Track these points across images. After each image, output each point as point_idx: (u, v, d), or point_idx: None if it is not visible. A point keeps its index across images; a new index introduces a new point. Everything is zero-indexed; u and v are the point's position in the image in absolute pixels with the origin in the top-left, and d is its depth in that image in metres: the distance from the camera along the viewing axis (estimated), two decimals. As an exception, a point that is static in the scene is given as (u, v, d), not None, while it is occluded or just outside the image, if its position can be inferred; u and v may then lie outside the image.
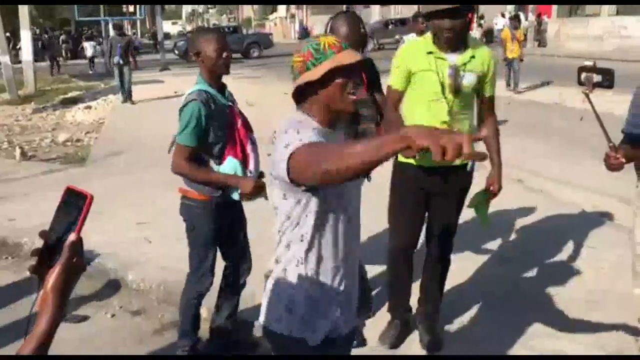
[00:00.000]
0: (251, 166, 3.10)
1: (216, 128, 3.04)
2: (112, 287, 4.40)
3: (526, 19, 27.40)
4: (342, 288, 1.90)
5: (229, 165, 3.04)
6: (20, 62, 18.36)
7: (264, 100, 12.93)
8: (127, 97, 13.69)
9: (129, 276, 4.40)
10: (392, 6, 41.26)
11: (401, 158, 3.12)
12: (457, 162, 3.08)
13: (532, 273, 4.18)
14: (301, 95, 1.86)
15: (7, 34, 17.41)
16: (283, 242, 1.88)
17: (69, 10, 34.89)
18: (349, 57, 1.78)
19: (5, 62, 15.34)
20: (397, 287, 3.49)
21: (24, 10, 16.02)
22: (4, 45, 15.94)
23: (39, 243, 1.20)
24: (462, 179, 3.21)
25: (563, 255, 4.44)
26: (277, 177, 1.73)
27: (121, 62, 13.28)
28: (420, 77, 3.02)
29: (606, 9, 24.42)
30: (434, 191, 3.20)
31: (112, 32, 19.37)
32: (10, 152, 9.14)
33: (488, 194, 3.21)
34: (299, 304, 1.86)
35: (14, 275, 4.65)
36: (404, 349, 3.40)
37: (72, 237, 1.13)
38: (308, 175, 1.56)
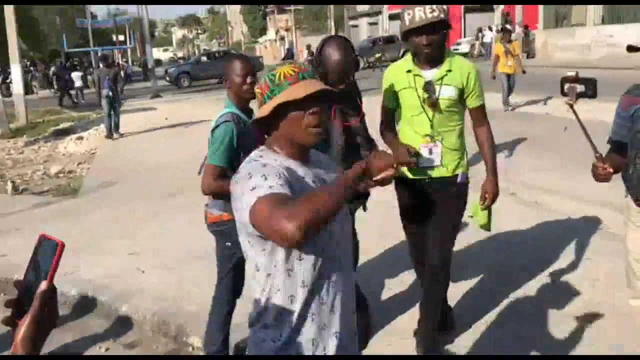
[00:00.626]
0: None
1: (245, 149, 3.06)
2: (106, 319, 4.35)
3: (513, 30, 27.68)
4: (329, 344, 1.72)
5: None
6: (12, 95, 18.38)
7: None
8: (114, 129, 13.17)
9: (123, 308, 4.35)
10: (380, 25, 41.61)
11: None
12: (447, 173, 3.15)
13: (527, 286, 4.14)
14: (265, 127, 1.74)
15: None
16: (258, 294, 1.70)
17: (59, 41, 35.03)
18: (304, 89, 1.63)
19: (-5, 96, 15.39)
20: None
21: (13, 45, 16.08)
22: (-6, 80, 16.00)
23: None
24: (455, 191, 3.25)
25: (558, 268, 4.41)
26: (241, 224, 1.63)
27: (110, 94, 12.85)
28: (402, 95, 3.20)
29: (592, 18, 24.68)
30: (428, 203, 3.30)
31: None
32: (2, 186, 9.10)
33: (484, 201, 3.27)
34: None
35: (6, 312, 4.58)
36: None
37: (42, 286, 1.09)
38: (281, 229, 1.42)
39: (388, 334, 3.60)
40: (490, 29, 27.95)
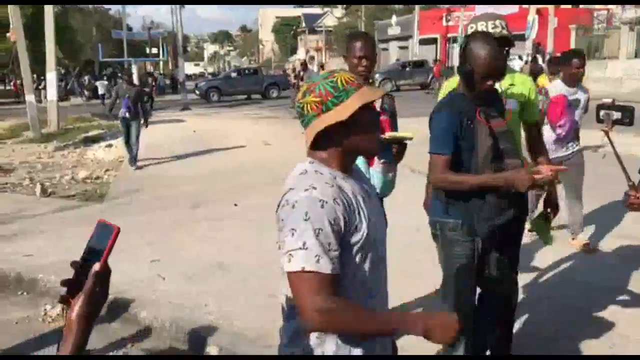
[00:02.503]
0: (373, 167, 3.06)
1: None
2: (125, 324, 4.38)
3: (543, 60, 27.53)
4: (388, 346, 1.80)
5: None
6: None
7: (282, 140, 13.04)
8: (132, 160, 10.94)
9: (142, 314, 4.37)
10: (410, 49, 41.72)
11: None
12: None
13: (552, 319, 4.07)
14: (318, 139, 1.68)
15: (34, 75, 17.88)
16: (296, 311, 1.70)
17: (94, 51, 35.82)
18: (374, 92, 1.70)
19: (30, 101, 15.73)
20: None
21: (50, 52, 16.47)
22: (30, 85, 16.37)
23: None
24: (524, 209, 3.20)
25: (581, 301, 4.33)
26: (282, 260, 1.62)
27: (127, 115, 10.63)
28: None
29: (624, 51, 24.45)
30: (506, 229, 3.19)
31: (139, 74, 19.82)
32: (31, 188, 9.26)
33: (547, 216, 3.27)
34: None
35: (28, 311, 4.65)
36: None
37: (96, 266, 1.17)
38: (305, 316, 1.55)
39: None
40: (520, 57, 27.83)
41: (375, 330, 1.57)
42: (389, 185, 3.15)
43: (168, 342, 4.09)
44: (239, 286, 4.74)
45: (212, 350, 3.84)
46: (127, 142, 10.93)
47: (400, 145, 2.93)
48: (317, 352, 1.68)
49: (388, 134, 2.89)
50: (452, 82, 3.39)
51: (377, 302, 1.74)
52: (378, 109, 3.15)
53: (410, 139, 2.84)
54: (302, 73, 19.05)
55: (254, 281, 4.79)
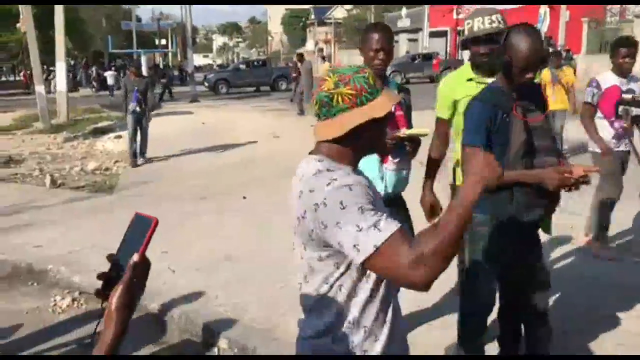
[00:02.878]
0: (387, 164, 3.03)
1: None
2: (135, 316, 4.38)
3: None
4: (393, 338, 1.74)
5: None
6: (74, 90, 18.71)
7: (291, 132, 13.02)
8: (140, 153, 10.65)
9: (152, 305, 4.38)
10: (420, 42, 41.55)
11: (458, 181, 3.30)
12: None
13: (559, 315, 4.04)
14: (347, 135, 1.66)
15: (44, 66, 17.92)
16: (326, 307, 1.69)
17: (103, 42, 35.88)
18: (396, 96, 1.75)
19: (40, 92, 15.76)
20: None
21: (60, 43, 16.50)
22: (40, 76, 16.41)
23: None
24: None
25: (588, 298, 4.29)
26: (329, 245, 1.59)
27: (138, 109, 10.25)
28: (464, 103, 3.09)
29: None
30: (528, 234, 3.12)
31: (145, 67, 19.78)
32: (40, 179, 9.30)
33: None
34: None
35: (38, 302, 4.68)
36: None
37: (135, 257, 1.19)
38: (410, 279, 1.47)
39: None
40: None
41: (460, 227, 1.48)
42: (402, 182, 3.13)
43: (177, 333, 4.10)
44: (249, 278, 4.75)
45: (221, 342, 3.84)
46: (134, 137, 10.50)
47: (414, 142, 2.90)
48: (345, 342, 1.67)
49: (404, 131, 2.85)
50: (457, 73, 3.38)
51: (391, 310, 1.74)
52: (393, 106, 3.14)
53: (426, 134, 2.81)
54: (298, 64, 18.58)
55: (263, 273, 4.79)
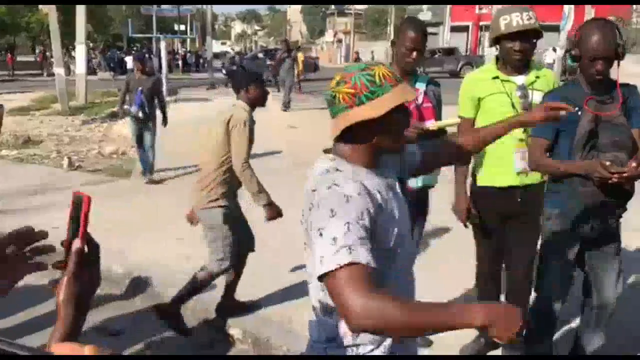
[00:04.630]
0: None
1: None
2: (147, 301, 4.39)
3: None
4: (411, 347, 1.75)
5: None
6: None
7: (307, 123, 12.98)
8: (147, 168, 8.37)
9: (167, 292, 4.37)
10: (440, 36, 41.22)
11: (480, 182, 3.26)
12: (536, 179, 3.09)
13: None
14: (344, 131, 1.61)
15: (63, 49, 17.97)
16: (330, 314, 1.66)
17: (122, 26, 35.96)
18: (411, 91, 1.63)
19: (59, 74, 15.83)
20: None
21: (80, 26, 16.54)
22: (60, 58, 16.48)
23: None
24: (540, 199, 3.16)
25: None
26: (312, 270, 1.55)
27: (140, 115, 7.95)
28: (489, 101, 3.14)
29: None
30: (512, 213, 3.22)
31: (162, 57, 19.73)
32: (58, 161, 9.35)
33: None
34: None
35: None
36: None
37: (75, 244, 1.04)
38: (349, 317, 1.37)
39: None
40: (554, 49, 27.32)
41: (433, 325, 1.38)
42: (432, 177, 3.09)
43: (192, 321, 4.08)
44: (264, 269, 4.72)
45: (235, 332, 3.83)
46: (140, 146, 8.35)
47: (443, 133, 2.90)
48: (351, 349, 1.65)
49: (433, 123, 2.85)
50: (482, 70, 3.32)
51: None
52: (421, 98, 3.09)
53: (457, 123, 2.81)
54: (284, 55, 16.32)
55: (279, 264, 4.77)
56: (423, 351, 3.45)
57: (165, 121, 8.66)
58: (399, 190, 1.74)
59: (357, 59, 27.65)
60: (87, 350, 0.64)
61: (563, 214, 2.86)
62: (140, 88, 7.90)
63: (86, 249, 1.06)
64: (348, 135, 1.61)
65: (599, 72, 2.63)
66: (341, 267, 1.40)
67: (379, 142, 1.62)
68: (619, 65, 2.68)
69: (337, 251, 1.42)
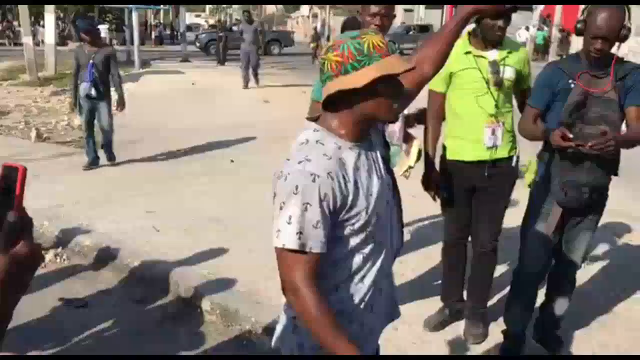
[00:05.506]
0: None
1: None
2: (117, 273, 4.38)
3: (550, 32, 27.17)
4: (362, 306, 1.70)
5: None
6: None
7: (281, 98, 12.92)
8: (107, 153, 7.24)
9: (135, 264, 4.38)
10: (415, 12, 41.11)
11: (449, 156, 3.33)
12: (504, 154, 3.19)
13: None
14: (331, 101, 1.59)
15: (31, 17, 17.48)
16: None
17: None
18: (399, 64, 1.54)
19: (28, 44, 15.44)
20: (450, 277, 3.66)
21: (49, -7, 16.13)
22: (28, 27, 16.05)
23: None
24: (508, 173, 3.31)
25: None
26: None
27: (93, 93, 6.79)
28: (461, 76, 3.18)
29: (632, 29, 24.16)
30: (481, 186, 3.30)
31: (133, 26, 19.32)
32: (26, 132, 9.18)
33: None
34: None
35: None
36: (450, 339, 3.48)
37: (10, 216, 0.93)
38: (287, 292, 1.59)
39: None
40: (527, 28, 27.49)
41: (318, 338, 1.56)
42: (392, 160, 3.11)
43: (160, 294, 4.10)
44: (234, 242, 4.75)
45: (203, 304, 3.85)
46: (90, 130, 7.04)
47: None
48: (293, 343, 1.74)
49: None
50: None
51: (372, 292, 1.70)
52: None
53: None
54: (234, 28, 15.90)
55: (248, 237, 4.79)
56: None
57: (121, 102, 7.20)
58: (382, 169, 1.71)
59: (317, 34, 27.11)
60: None
61: (545, 181, 2.98)
62: (91, 62, 6.79)
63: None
64: (336, 104, 1.58)
65: (597, 50, 2.70)
66: (286, 249, 1.52)
67: (363, 113, 1.57)
68: (619, 47, 2.76)
69: (289, 232, 1.50)
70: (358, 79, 1.51)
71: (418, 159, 3.32)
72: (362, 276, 1.67)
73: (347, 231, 1.59)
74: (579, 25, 2.78)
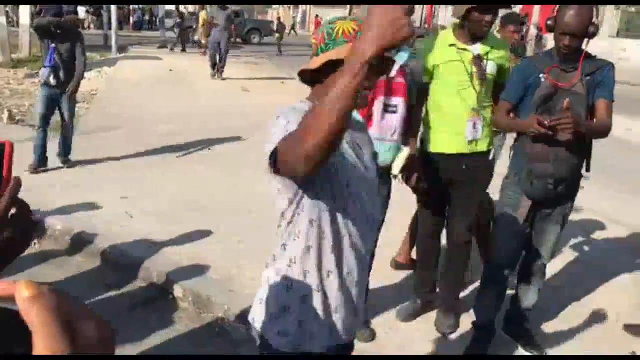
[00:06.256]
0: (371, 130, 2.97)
1: None
2: (90, 259, 4.34)
3: (527, 31, 27.42)
4: (342, 293, 1.70)
5: None
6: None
7: (259, 86, 12.87)
8: (62, 152, 6.35)
9: (108, 249, 4.34)
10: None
11: (430, 148, 3.34)
12: (483, 148, 3.22)
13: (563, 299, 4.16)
14: (313, 79, 1.67)
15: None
16: (279, 241, 1.71)
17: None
18: (349, 51, 1.55)
19: (1, 24, 15.11)
20: (423, 268, 3.69)
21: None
22: (1, 6, 15.71)
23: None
24: (484, 167, 3.37)
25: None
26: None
27: (52, 80, 5.93)
28: (445, 69, 3.21)
29: (606, 30, 24.50)
30: (457, 179, 3.34)
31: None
32: (-2, 114, 9.00)
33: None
34: (294, 307, 1.68)
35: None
36: (422, 329, 3.51)
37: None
38: (291, 169, 1.41)
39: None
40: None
41: (337, 99, 1.23)
42: (387, 154, 3.08)
43: (133, 280, 4.07)
44: (209, 229, 4.73)
45: (176, 290, 3.84)
46: (44, 123, 6.11)
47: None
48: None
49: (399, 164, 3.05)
50: (439, 38, 3.35)
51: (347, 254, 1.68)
52: (395, 71, 2.94)
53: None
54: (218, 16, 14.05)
55: (224, 225, 4.78)
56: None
57: (75, 86, 6.13)
58: (370, 155, 1.76)
59: (281, 24, 26.75)
60: (24, 286, 0.49)
61: (516, 173, 3.06)
62: (53, 45, 5.86)
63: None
64: (316, 81, 1.68)
65: (565, 46, 2.80)
66: (278, 145, 1.45)
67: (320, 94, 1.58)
68: (588, 43, 2.84)
69: (274, 142, 1.46)
70: (315, 62, 1.60)
71: (403, 169, 3.17)
72: (333, 245, 1.66)
73: (322, 206, 1.60)
74: (549, 22, 2.87)
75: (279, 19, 29.03)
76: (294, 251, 1.67)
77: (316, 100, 1.64)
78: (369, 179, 1.73)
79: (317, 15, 39.44)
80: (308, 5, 47.96)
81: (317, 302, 1.68)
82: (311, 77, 1.68)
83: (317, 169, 1.36)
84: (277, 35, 25.09)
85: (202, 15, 19.00)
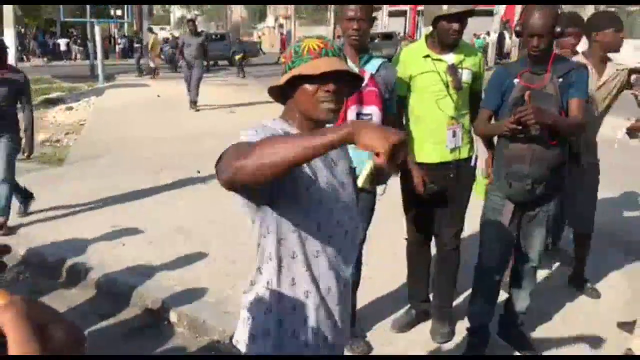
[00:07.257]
0: None
1: None
2: (82, 289, 4.33)
3: (510, 37, 27.74)
4: (323, 311, 1.70)
5: None
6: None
7: (247, 108, 12.91)
8: (22, 203, 5.71)
9: (100, 279, 4.33)
10: (380, 21, 41.49)
11: (417, 159, 3.34)
12: (464, 155, 3.29)
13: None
14: (283, 97, 1.73)
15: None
16: (256, 264, 1.73)
17: (56, 10, 34.57)
18: (322, 66, 1.57)
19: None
20: (414, 277, 3.70)
21: (8, 8, 15.84)
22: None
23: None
24: (467, 172, 3.41)
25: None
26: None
27: None
28: (421, 79, 3.23)
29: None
30: (443, 186, 3.36)
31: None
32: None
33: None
34: (272, 331, 1.68)
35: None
36: (418, 339, 3.50)
37: None
38: (219, 170, 1.43)
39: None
40: (488, 34, 28.00)
41: (303, 149, 1.27)
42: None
43: (128, 307, 4.06)
44: (200, 252, 4.73)
45: (171, 315, 3.83)
46: None
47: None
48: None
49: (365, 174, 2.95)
50: (412, 49, 3.39)
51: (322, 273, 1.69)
52: (365, 81, 2.90)
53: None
54: (187, 41, 13.04)
55: (214, 247, 4.78)
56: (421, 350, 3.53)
57: (28, 146, 5.41)
58: (340, 170, 1.77)
59: (241, 43, 26.65)
60: None
61: (496, 177, 3.12)
62: None
63: None
64: (287, 97, 1.71)
65: (534, 47, 2.87)
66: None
67: (298, 109, 1.66)
68: (557, 44, 2.97)
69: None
70: (283, 78, 1.64)
71: (370, 182, 3.14)
72: (306, 264, 1.66)
73: (288, 226, 1.62)
74: (517, 28, 2.95)
75: (238, 39, 28.97)
76: (268, 274, 1.68)
77: (287, 117, 1.70)
78: (344, 194, 1.74)
79: (281, 33, 39.68)
80: (293, 25, 48.30)
81: (294, 324, 1.68)
82: (280, 93, 1.72)
83: (235, 187, 1.42)
84: (237, 57, 22.79)
85: (151, 39, 19.18)
